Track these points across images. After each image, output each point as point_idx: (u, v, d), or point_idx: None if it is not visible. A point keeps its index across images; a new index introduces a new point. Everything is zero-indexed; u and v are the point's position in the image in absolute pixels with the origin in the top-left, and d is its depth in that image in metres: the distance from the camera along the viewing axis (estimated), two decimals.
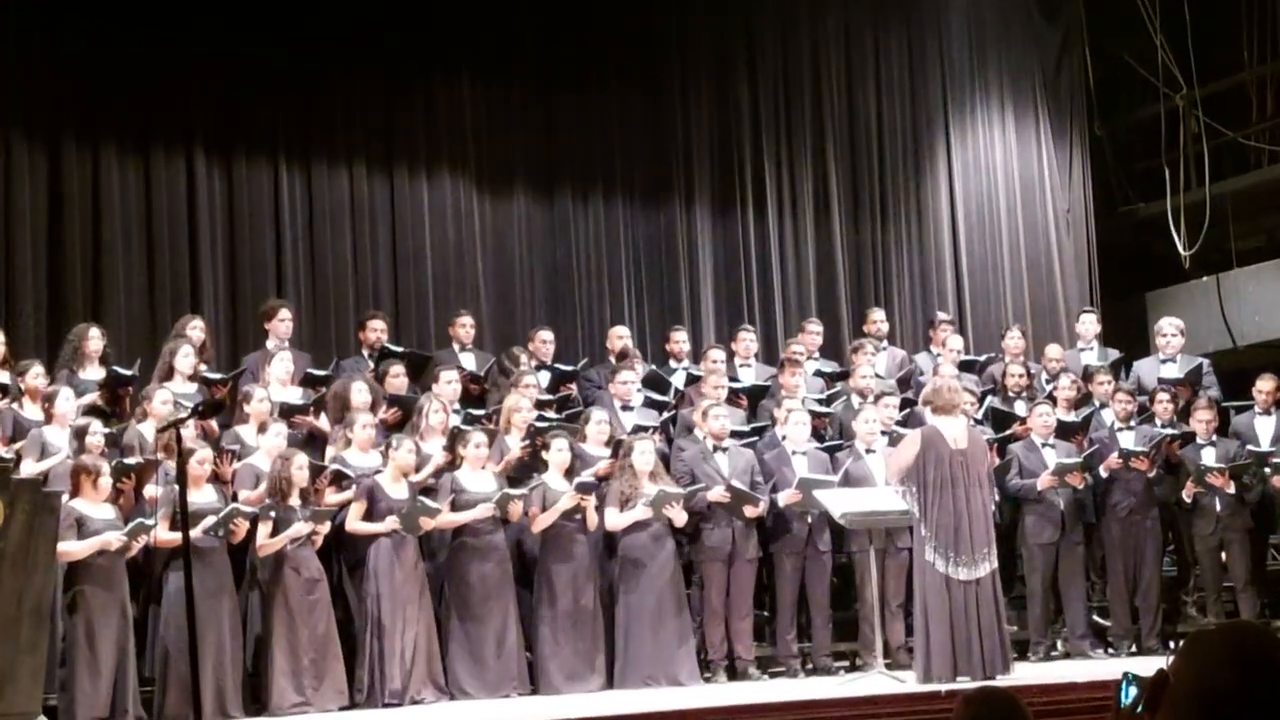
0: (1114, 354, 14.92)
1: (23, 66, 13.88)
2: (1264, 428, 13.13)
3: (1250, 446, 12.99)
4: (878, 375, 13.92)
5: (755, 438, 12.83)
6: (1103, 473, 12.65)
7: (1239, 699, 2.62)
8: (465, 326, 13.94)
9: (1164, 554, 13.21)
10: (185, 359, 12.10)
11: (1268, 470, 12.59)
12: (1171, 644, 12.58)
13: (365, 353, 13.51)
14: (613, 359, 14.13)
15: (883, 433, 12.49)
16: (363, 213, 15.24)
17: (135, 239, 14.17)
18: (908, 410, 13.13)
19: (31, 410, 11.48)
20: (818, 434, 12.94)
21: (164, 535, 10.31)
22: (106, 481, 10.36)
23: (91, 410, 11.68)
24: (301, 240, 14.93)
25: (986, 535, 10.70)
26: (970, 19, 18.24)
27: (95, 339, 12.23)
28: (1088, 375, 13.95)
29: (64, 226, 13.87)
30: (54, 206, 13.87)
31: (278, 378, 12.41)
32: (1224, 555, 12.87)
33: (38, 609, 8.74)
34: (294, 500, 10.82)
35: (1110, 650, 12.81)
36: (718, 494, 11.86)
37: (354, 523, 11.17)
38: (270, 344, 13.05)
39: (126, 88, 14.27)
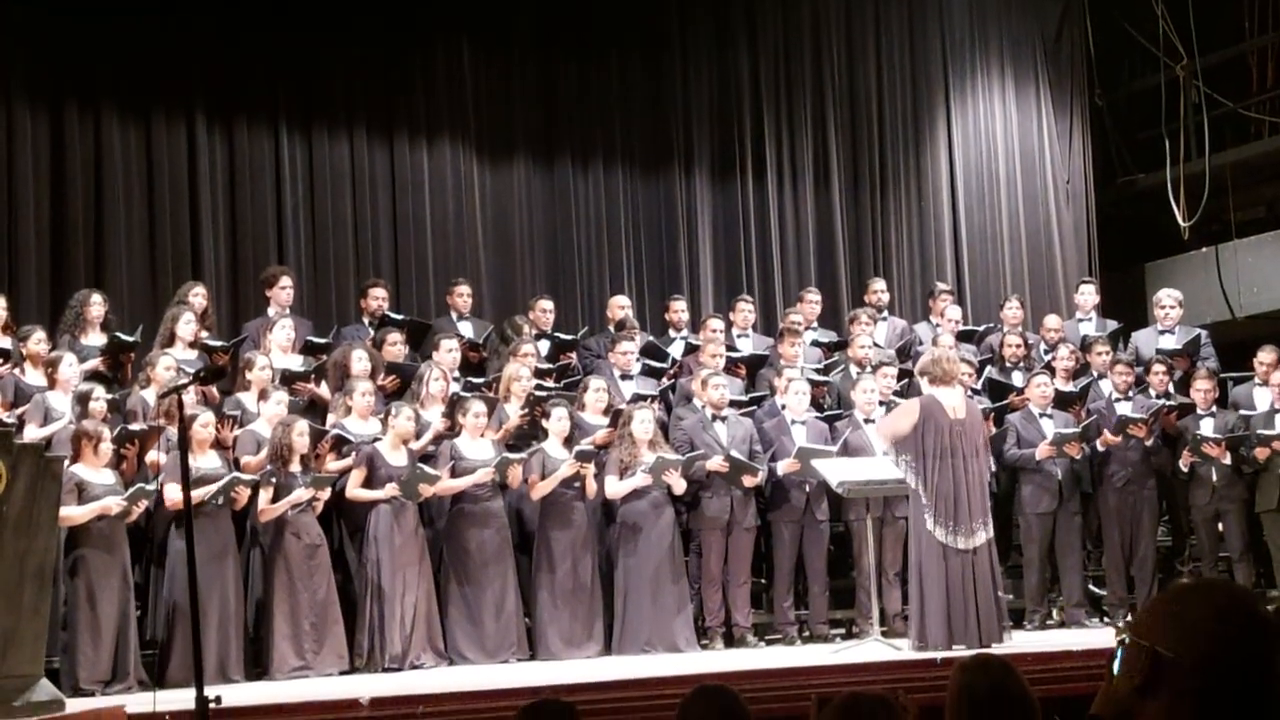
0: (1112, 324, 14.93)
1: (25, 32, 13.89)
2: (1262, 399, 13.15)
3: (1244, 410, 13.04)
4: (876, 345, 13.94)
5: (754, 407, 12.86)
6: (1100, 446, 12.69)
7: (1230, 652, 2.65)
8: (463, 296, 13.97)
9: (1159, 524, 13.26)
10: (187, 326, 12.13)
11: (1255, 439, 12.61)
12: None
13: (366, 320, 13.55)
14: (612, 328, 14.15)
15: (881, 403, 12.53)
16: (363, 180, 15.26)
17: (136, 205, 14.20)
18: (906, 380, 13.16)
19: (33, 376, 11.52)
20: (816, 403, 12.98)
21: (174, 498, 10.36)
22: (107, 447, 10.41)
23: (93, 376, 11.73)
24: (302, 207, 14.95)
25: (983, 504, 10.74)
26: None
27: (97, 305, 12.27)
28: (1086, 346, 13.97)
29: (66, 192, 13.89)
30: (56, 172, 13.89)
31: (279, 345, 12.45)
32: (1220, 526, 12.92)
33: (40, 572, 8.77)
34: (295, 466, 10.88)
35: (1105, 619, 12.84)
36: (716, 463, 11.90)
37: (354, 490, 11.23)
38: (271, 311, 13.08)
39: (128, 54, 14.29)
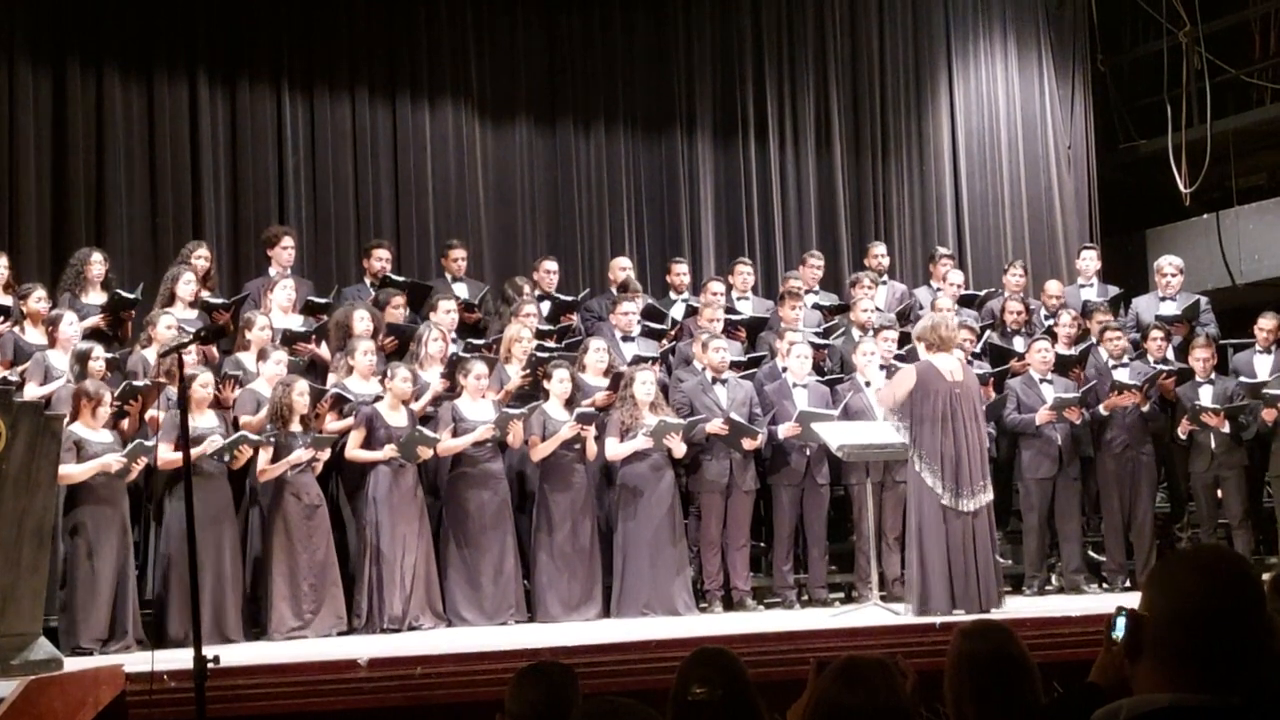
0: (1113, 290, 14.94)
1: None
2: (1263, 366, 13.12)
3: (1243, 377, 13.02)
4: (877, 309, 13.93)
5: (754, 370, 12.86)
6: (1103, 410, 12.66)
7: (1213, 610, 2.66)
8: (458, 260, 13.95)
9: (1158, 490, 13.26)
10: (187, 286, 12.12)
11: (1260, 402, 12.60)
12: None
13: (368, 281, 13.55)
14: (614, 289, 14.16)
15: (881, 366, 12.52)
16: (365, 140, 15.26)
17: (138, 164, 14.19)
18: (909, 346, 13.15)
19: (33, 334, 11.52)
20: (818, 366, 12.97)
21: (167, 457, 10.38)
22: (106, 408, 10.40)
23: (93, 334, 11.72)
24: (304, 167, 14.94)
25: (983, 467, 10.71)
26: None
27: (97, 264, 12.27)
28: (1087, 312, 13.97)
29: (67, 151, 13.88)
30: (58, 131, 13.88)
31: (280, 305, 12.45)
32: (1219, 492, 12.92)
33: (39, 530, 8.76)
34: (295, 426, 10.88)
35: (1104, 585, 12.86)
36: (716, 426, 11.90)
37: (353, 450, 11.23)
38: (272, 271, 13.08)
39: (130, 12, 14.29)
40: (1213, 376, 12.96)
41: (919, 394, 10.62)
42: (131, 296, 12.15)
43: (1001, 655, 4.43)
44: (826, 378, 12.84)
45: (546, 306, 13.58)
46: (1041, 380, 12.80)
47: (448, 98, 15.65)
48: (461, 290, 13.67)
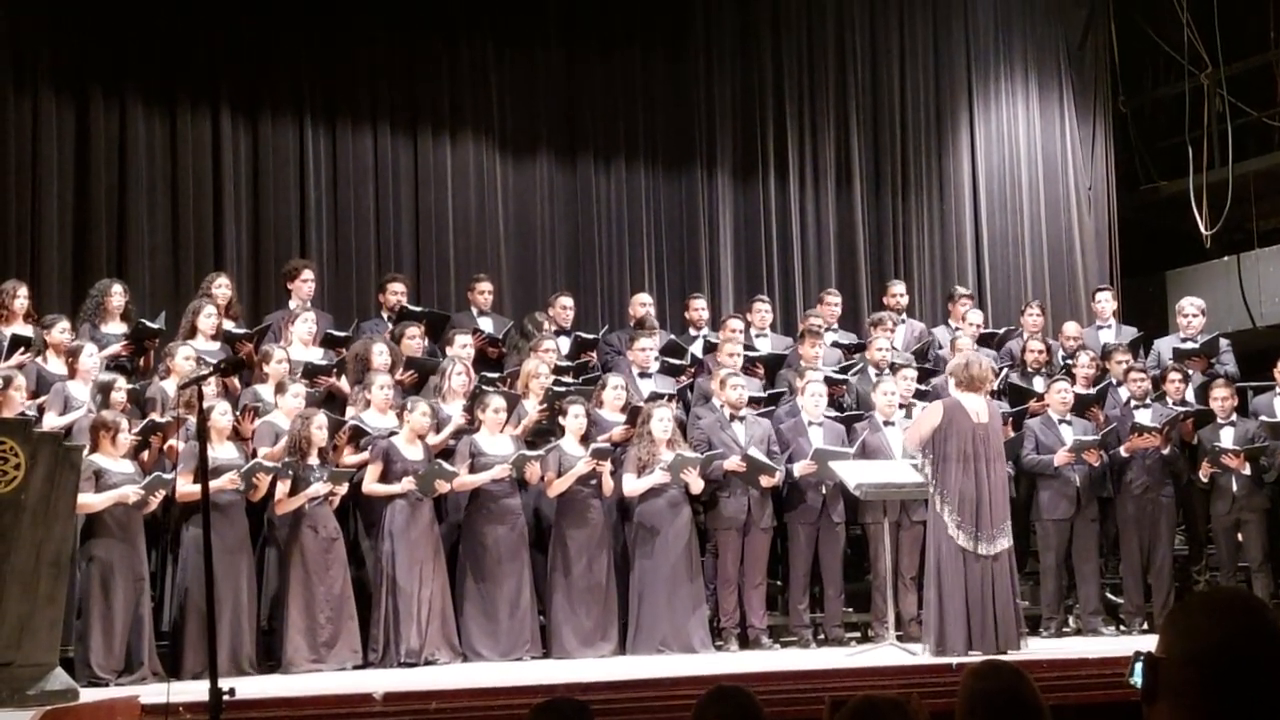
0: (1131, 332, 14.90)
1: (52, 22, 13.92)
2: None
3: (1264, 417, 12.97)
4: (894, 348, 13.90)
5: (772, 407, 12.84)
6: (1124, 453, 12.62)
7: (1228, 650, 2.65)
8: (484, 293, 13.98)
9: (1176, 532, 13.22)
10: (208, 319, 12.16)
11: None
12: None
13: (385, 315, 13.56)
14: (633, 325, 14.15)
15: (901, 405, 12.49)
16: (386, 175, 15.30)
17: (160, 196, 14.23)
18: (928, 385, 13.14)
19: (54, 364, 11.54)
20: (837, 404, 12.95)
21: (185, 488, 10.39)
22: (125, 437, 10.41)
23: (113, 363, 11.76)
24: (325, 201, 14.98)
25: (1004, 510, 10.69)
26: None
27: (118, 295, 12.31)
28: (1106, 354, 13.94)
29: (90, 182, 13.94)
30: (80, 163, 13.93)
31: (300, 338, 12.48)
32: (1240, 535, 12.87)
33: (57, 561, 8.78)
34: (312, 459, 10.88)
35: (1122, 627, 12.81)
36: (734, 463, 11.88)
37: (370, 485, 11.23)
38: (292, 304, 13.11)
39: (154, 44, 14.34)
40: (1233, 418, 12.92)
41: (943, 432, 10.59)
42: (155, 326, 12.21)
43: (1013, 696, 4.40)
44: (844, 415, 12.81)
45: (565, 342, 13.58)
46: (1060, 421, 12.77)
47: (468, 133, 15.69)
48: (487, 324, 13.69)
